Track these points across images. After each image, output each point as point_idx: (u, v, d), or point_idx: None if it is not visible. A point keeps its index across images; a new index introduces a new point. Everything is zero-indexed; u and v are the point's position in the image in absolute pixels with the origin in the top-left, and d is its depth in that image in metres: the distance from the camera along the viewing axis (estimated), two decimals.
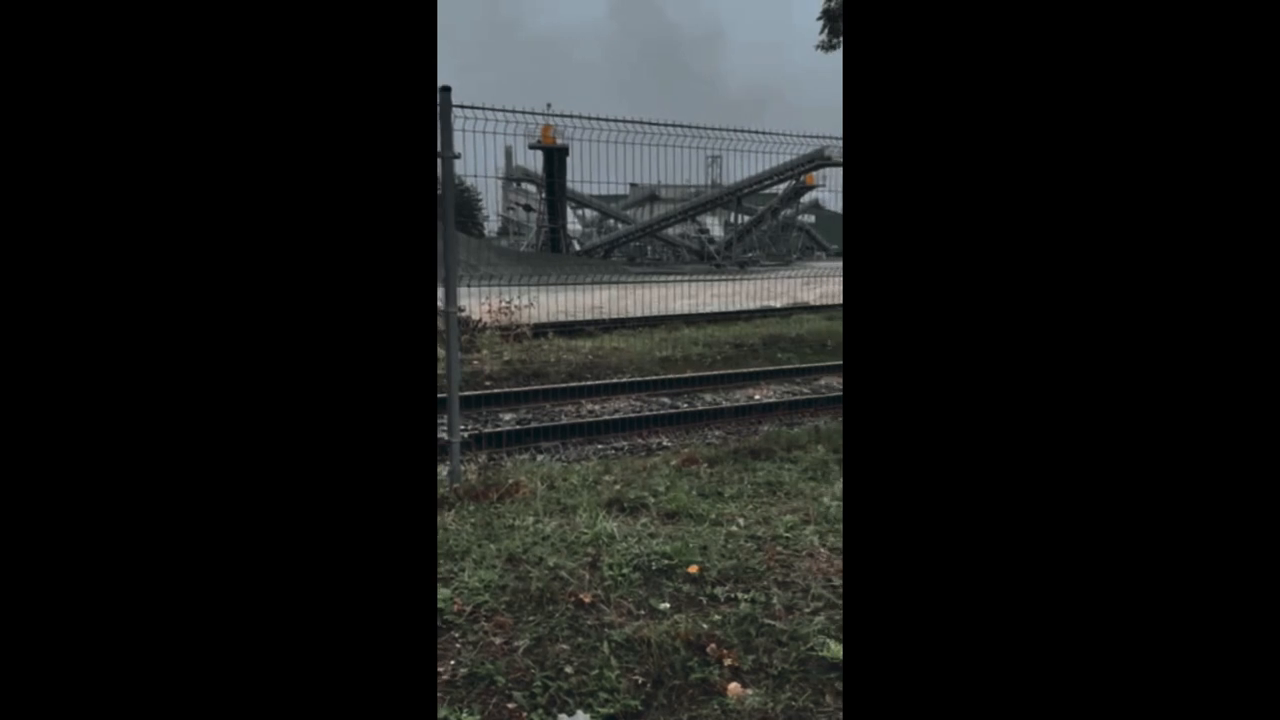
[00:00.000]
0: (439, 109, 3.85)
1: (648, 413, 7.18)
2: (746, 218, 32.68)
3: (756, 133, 7.74)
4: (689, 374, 8.66)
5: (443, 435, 4.10)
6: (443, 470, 4.04)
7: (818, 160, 19.52)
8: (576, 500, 3.63)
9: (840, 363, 8.45)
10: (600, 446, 6.29)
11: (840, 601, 2.59)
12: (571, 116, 7.36)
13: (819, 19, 12.48)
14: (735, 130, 7.77)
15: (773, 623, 2.45)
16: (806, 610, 2.54)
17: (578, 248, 30.14)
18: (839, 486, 3.85)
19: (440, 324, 3.62)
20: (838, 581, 2.73)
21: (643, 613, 2.54)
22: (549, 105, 26.22)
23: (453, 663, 2.24)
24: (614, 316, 12.63)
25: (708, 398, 8.04)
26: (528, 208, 33.02)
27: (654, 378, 8.43)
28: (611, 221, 35.71)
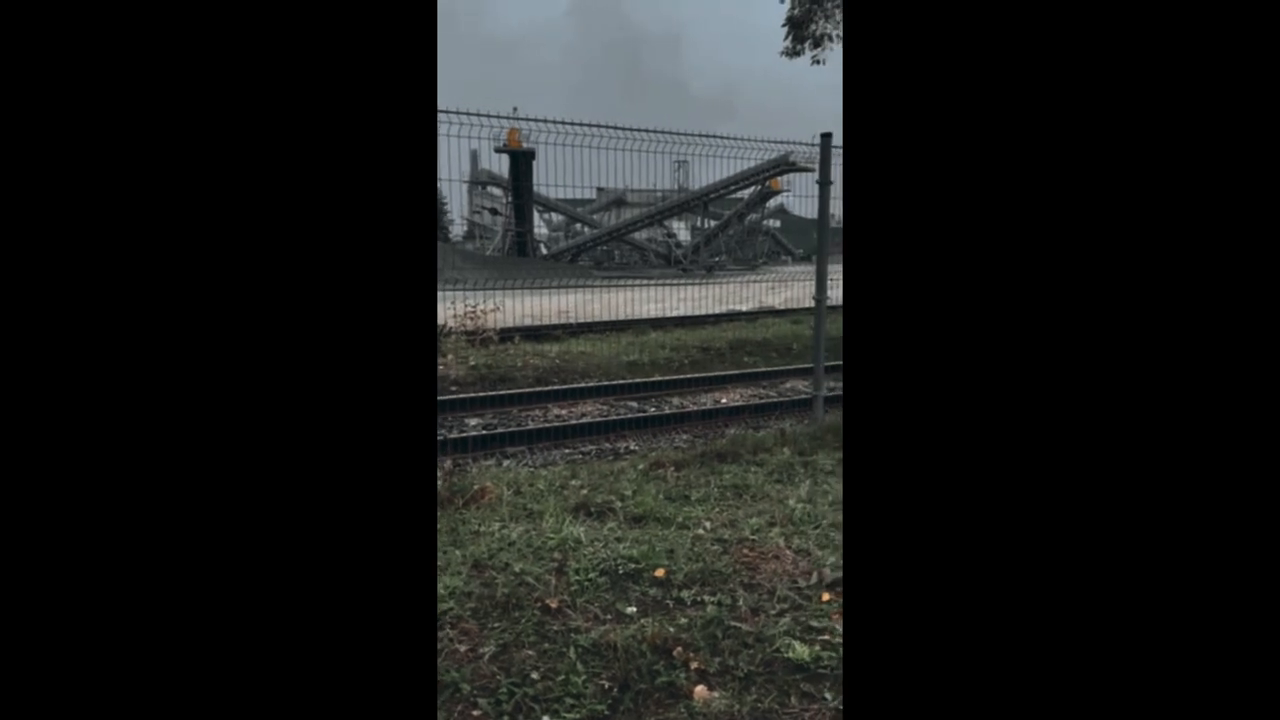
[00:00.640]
0: None
1: (615, 417, 7.17)
2: (713, 222, 32.79)
3: (723, 138, 7.77)
4: (656, 378, 8.68)
5: None
6: None
7: (783, 165, 19.68)
8: (543, 505, 3.61)
9: (807, 366, 8.54)
10: (567, 451, 6.28)
11: (805, 603, 2.61)
12: (538, 120, 7.34)
13: (783, 25, 12.58)
14: (702, 135, 7.80)
15: (739, 625, 2.46)
16: (772, 612, 2.55)
17: (544, 251, 30.04)
18: (805, 489, 3.88)
19: None
20: (803, 583, 2.75)
21: (609, 617, 2.53)
22: (515, 109, 26.10)
23: None
24: (581, 321, 12.62)
25: (675, 401, 8.06)
26: (494, 211, 32.76)
27: (621, 382, 8.44)
28: (579, 226, 35.63)
